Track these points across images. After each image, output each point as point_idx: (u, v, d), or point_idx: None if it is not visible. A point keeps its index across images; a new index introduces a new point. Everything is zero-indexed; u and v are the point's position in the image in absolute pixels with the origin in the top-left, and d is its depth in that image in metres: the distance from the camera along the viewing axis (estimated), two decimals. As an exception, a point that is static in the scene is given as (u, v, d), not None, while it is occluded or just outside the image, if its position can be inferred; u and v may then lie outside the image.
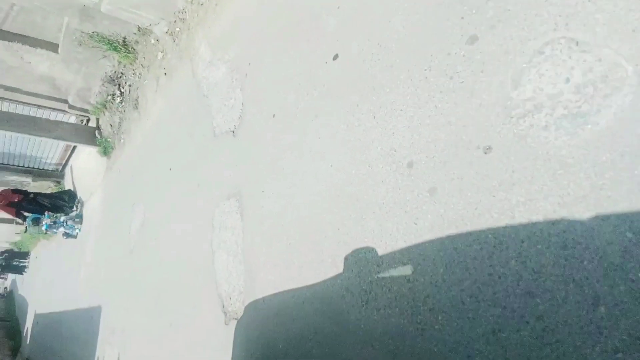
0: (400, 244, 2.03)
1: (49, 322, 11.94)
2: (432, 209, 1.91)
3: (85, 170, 9.51)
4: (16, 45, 6.45)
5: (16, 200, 8.78)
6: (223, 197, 3.71)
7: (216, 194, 3.84)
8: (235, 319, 3.26)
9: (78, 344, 8.26)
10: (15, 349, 18.09)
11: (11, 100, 7.76)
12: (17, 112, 8.06)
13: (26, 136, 8.68)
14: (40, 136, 7.61)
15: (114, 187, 7.54)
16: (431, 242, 1.90)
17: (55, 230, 8.75)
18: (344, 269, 2.34)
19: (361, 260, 2.23)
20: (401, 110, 2.14)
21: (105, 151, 7.81)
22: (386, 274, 2.08)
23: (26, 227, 9.11)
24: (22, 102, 7.88)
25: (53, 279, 12.73)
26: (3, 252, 20.51)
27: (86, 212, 9.15)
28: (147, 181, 5.79)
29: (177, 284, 4.34)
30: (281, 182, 2.96)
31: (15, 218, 12.28)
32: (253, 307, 3.05)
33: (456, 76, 1.92)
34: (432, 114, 1.98)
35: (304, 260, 2.64)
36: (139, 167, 6.25)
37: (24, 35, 6.53)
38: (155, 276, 4.94)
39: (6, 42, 6.34)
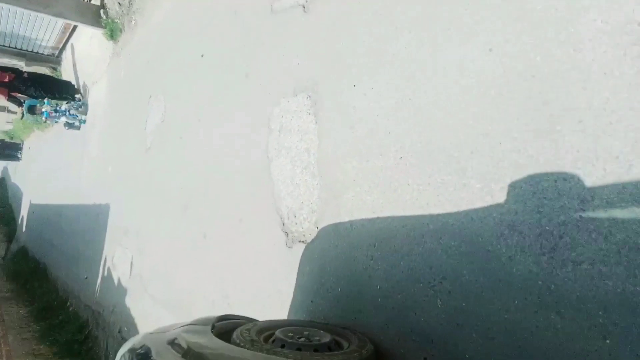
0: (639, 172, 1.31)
1: (47, 214, 11.43)
2: None
3: (86, 55, 8.41)
4: None
5: (7, 80, 7.68)
6: (287, 92, 2.89)
7: (275, 88, 3.02)
8: (303, 241, 2.61)
9: (81, 240, 7.77)
10: (10, 235, 17.87)
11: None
12: (9, -20, 6.80)
13: (20, 10, 7.49)
14: (36, 11, 6.46)
15: (122, 75, 6.58)
16: None
17: (56, 119, 7.82)
18: (507, 199, 1.63)
19: (546, 191, 1.52)
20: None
21: (112, 34, 6.73)
22: (601, 215, 1.38)
23: (22, 113, 8.13)
24: (15, -31, 6.62)
25: (51, 171, 12.04)
26: (-6, 141, 19.62)
27: (89, 103, 8.21)
28: (169, 70, 4.88)
29: (214, 190, 3.64)
30: (390, 74, 2.16)
31: (7, 103, 11.23)
32: (333, 232, 2.38)
33: None
34: None
35: (428, 181, 1.92)
36: (157, 53, 5.29)
37: None
38: (182, 178, 4.23)
39: None
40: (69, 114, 7.76)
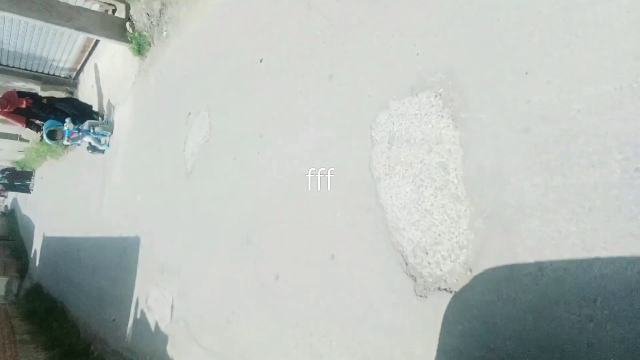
0: None
1: (64, 248, 10.88)
2: None
3: (108, 76, 7.96)
4: None
5: (24, 106, 7.20)
6: (399, 91, 2.29)
7: (378, 89, 2.42)
8: (445, 289, 1.96)
9: (105, 277, 7.15)
10: (22, 271, 17.32)
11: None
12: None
13: (38, 28, 7.09)
14: (58, 25, 5.99)
15: (152, 94, 6.06)
16: None
17: (78, 141, 7.23)
18: None
19: None
20: None
21: (140, 49, 6.24)
22: None
23: (41, 137, 7.59)
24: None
25: (66, 202, 11.55)
26: (4, 170, 19.30)
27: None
28: (214, 82, 4.33)
29: (287, 220, 3.01)
30: (603, 53, 1.53)
31: (21, 131, 10.81)
32: (505, 278, 1.73)
33: None
34: None
35: None
36: (197, 64, 4.75)
37: None
38: (239, 206, 3.61)
39: None
40: (94, 132, 7.17)
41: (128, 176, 6.68)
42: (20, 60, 8.93)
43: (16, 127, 12.96)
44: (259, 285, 3.24)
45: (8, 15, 5.79)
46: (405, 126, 2.23)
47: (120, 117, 7.24)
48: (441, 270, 1.99)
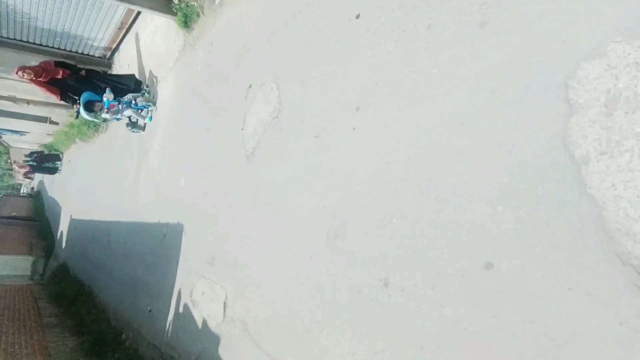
0: None
1: (92, 231, 10.22)
2: None
3: (147, 53, 7.19)
4: None
5: (60, 76, 6.44)
6: (627, 28, 1.49)
7: (580, 29, 1.63)
8: None
9: (140, 264, 6.45)
10: (48, 251, 16.82)
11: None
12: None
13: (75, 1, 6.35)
14: (99, -7, 5.22)
15: (200, 68, 5.29)
16: None
17: (118, 114, 6.42)
18: None
19: None
20: None
21: (186, 20, 5.46)
22: None
23: (77, 112, 6.82)
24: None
25: (95, 185, 10.89)
26: (32, 153, 18.83)
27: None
28: (286, 47, 3.54)
29: (404, 215, 2.23)
30: None
31: (51, 112, 10.16)
32: None
33: None
34: None
35: None
36: (262, 30, 3.96)
37: None
38: (322, 194, 2.85)
39: None
40: (135, 104, 6.36)
41: (169, 159, 5.94)
42: (54, 39, 8.20)
43: (47, 109, 12.32)
44: (355, 291, 2.48)
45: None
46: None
47: (161, 96, 6.48)
48: None
